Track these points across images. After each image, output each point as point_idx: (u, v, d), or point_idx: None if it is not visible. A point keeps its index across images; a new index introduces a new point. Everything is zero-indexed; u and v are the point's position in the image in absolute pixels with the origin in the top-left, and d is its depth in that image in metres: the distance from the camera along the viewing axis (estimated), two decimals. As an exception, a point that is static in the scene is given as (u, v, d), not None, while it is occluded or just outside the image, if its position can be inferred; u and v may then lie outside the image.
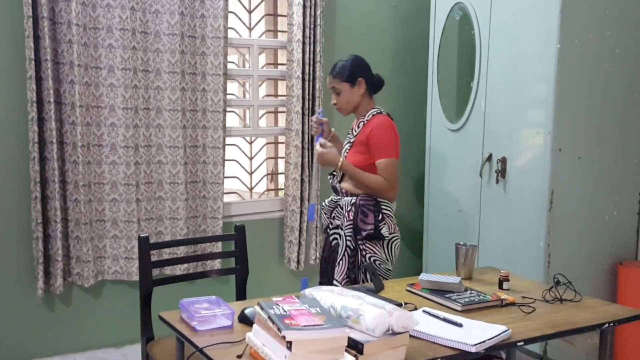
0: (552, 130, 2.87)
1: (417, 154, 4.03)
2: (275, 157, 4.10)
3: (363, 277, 2.64)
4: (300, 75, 3.53)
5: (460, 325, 1.88)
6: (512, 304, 2.16)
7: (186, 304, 1.92)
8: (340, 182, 2.78)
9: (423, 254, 3.88)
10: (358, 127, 2.77)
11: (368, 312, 1.64)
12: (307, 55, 3.54)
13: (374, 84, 2.80)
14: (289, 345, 1.48)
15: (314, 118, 2.95)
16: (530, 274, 2.80)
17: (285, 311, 1.60)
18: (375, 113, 2.75)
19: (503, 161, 3.14)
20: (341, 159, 2.70)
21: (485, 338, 1.78)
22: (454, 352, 1.74)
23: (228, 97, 3.47)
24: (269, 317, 1.56)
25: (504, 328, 1.87)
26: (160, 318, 1.97)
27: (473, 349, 1.74)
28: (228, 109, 3.51)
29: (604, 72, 2.96)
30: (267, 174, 4.21)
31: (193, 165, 3.38)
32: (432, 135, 3.75)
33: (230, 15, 3.41)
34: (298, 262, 3.66)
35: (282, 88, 3.93)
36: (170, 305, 2.14)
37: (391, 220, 2.70)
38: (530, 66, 3.00)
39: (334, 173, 2.81)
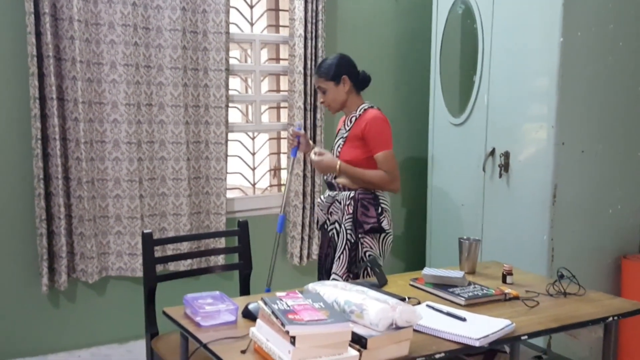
0: (555, 124, 2.86)
1: (419, 149, 4.02)
2: (278, 153, 4.10)
3: (364, 271, 2.64)
4: (302, 71, 3.52)
5: (463, 320, 1.88)
6: (516, 298, 2.16)
7: (190, 299, 1.92)
8: (335, 177, 2.77)
9: (426, 249, 3.87)
10: (350, 121, 2.76)
11: (371, 306, 1.64)
12: (309, 50, 3.53)
13: (360, 81, 2.80)
14: (292, 340, 1.48)
15: (290, 130, 2.96)
16: (534, 268, 2.79)
17: (288, 306, 1.60)
18: (366, 107, 2.76)
19: (506, 155, 3.13)
20: (339, 163, 2.69)
21: (489, 332, 1.78)
22: (457, 347, 1.74)
23: (230, 92, 3.46)
24: (273, 312, 1.56)
25: (507, 322, 1.86)
26: (165, 314, 1.97)
27: (477, 343, 1.74)
28: (230, 104, 3.51)
29: (607, 65, 2.95)
30: (270, 170, 4.21)
31: (196, 161, 3.38)
32: (434, 129, 3.74)
33: (231, 10, 3.41)
34: (301, 257, 3.67)
35: (284, 83, 3.93)
36: (174, 301, 2.14)
37: (389, 215, 2.72)
38: (533, 60, 2.98)
39: None
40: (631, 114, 3.06)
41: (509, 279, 2.34)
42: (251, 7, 3.69)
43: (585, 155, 2.95)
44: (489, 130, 3.25)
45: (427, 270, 2.28)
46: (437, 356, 1.68)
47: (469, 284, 2.23)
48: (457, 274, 2.23)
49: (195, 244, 3.39)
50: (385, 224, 2.67)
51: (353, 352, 1.55)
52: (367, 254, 2.64)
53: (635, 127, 3.09)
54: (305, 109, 3.56)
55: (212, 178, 3.42)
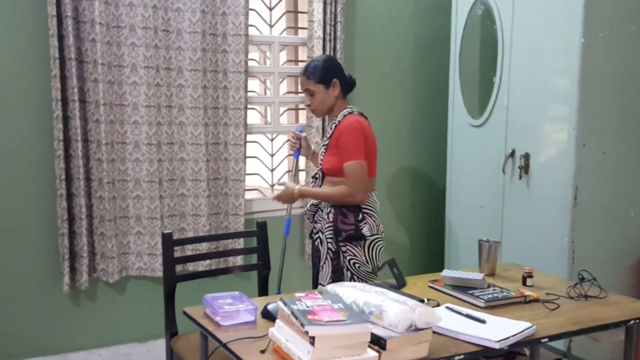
0: (576, 126, 2.84)
1: (438, 150, 4.01)
2: (296, 154, 4.10)
3: (345, 278, 2.56)
4: (321, 72, 3.52)
5: (483, 322, 1.87)
6: (536, 300, 2.14)
7: (210, 299, 1.93)
8: (320, 186, 2.68)
9: (445, 250, 3.86)
10: (331, 128, 2.65)
11: (391, 307, 1.63)
12: (327, 52, 3.54)
13: (347, 85, 2.67)
14: (312, 340, 1.48)
15: (292, 133, 2.94)
16: (554, 271, 2.77)
17: (308, 307, 1.60)
18: (346, 113, 2.62)
19: (526, 157, 3.11)
20: (297, 188, 2.60)
21: (509, 334, 1.77)
22: (477, 349, 1.73)
23: (249, 94, 3.48)
24: (292, 313, 1.56)
25: (527, 324, 1.85)
26: (185, 313, 1.98)
27: (497, 345, 1.73)
28: (249, 106, 3.52)
29: (629, 66, 2.91)
30: (288, 171, 4.22)
31: (215, 162, 3.41)
32: (453, 131, 3.72)
33: (251, 12, 3.43)
34: (319, 258, 3.67)
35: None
36: (193, 301, 2.16)
37: (373, 220, 2.59)
38: (554, 61, 2.96)
39: (316, 176, 2.71)
40: (654, 115, 3.02)
41: (529, 281, 2.32)
42: (270, 9, 3.71)
43: (606, 157, 2.92)
44: (509, 131, 3.23)
45: (446, 272, 2.27)
46: (456, 358, 1.68)
47: (489, 286, 2.22)
48: (476, 276, 2.22)
49: (214, 245, 3.41)
50: (365, 231, 2.53)
51: (372, 353, 1.55)
52: (351, 262, 2.54)
53: (658, 128, 3.04)
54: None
55: (230, 179, 3.44)
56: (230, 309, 1.86)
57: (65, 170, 2.99)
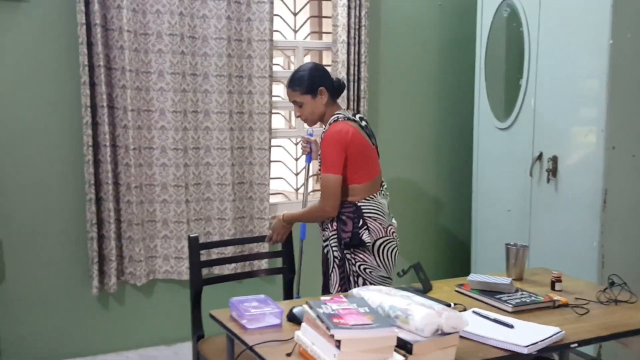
0: (605, 128, 2.79)
1: (464, 153, 3.98)
2: (321, 158, 4.11)
3: (355, 285, 2.49)
4: (345, 77, 3.53)
5: (511, 327, 1.85)
6: (565, 305, 2.11)
7: (236, 302, 1.95)
8: None
9: (471, 254, 3.83)
10: (321, 137, 2.54)
11: (417, 312, 1.63)
12: (351, 56, 3.54)
13: (335, 89, 2.56)
14: (338, 344, 1.48)
15: (302, 137, 2.92)
16: (583, 275, 2.72)
17: (333, 310, 1.60)
18: (332, 121, 2.49)
19: (554, 160, 3.07)
20: (281, 216, 2.58)
21: (538, 339, 1.75)
22: (505, 354, 1.71)
23: (274, 99, 3.50)
24: (318, 316, 1.56)
25: (556, 329, 1.82)
26: (211, 316, 2.00)
27: (525, 350, 1.71)
28: (274, 110, 3.55)
29: (659, 66, 2.86)
30: (313, 175, 4.23)
31: (240, 166, 3.43)
32: (479, 133, 3.70)
33: (275, 17, 3.45)
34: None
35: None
36: (219, 304, 2.18)
37: (379, 223, 2.47)
38: (582, 62, 2.92)
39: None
40: (686, 117, 2.96)
41: (557, 285, 2.29)
42: (294, 14, 3.73)
43: (636, 160, 2.87)
44: (536, 134, 3.20)
45: (473, 276, 2.25)
46: (483, 363, 1.66)
47: (516, 290, 2.19)
48: (504, 280, 2.19)
49: (239, 248, 3.43)
50: (365, 237, 2.43)
51: (398, 357, 1.54)
52: (361, 267, 2.47)
53: (690, 130, 2.98)
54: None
55: (255, 183, 3.46)
56: (256, 312, 1.87)
57: (94, 175, 3.05)
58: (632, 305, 2.12)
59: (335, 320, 1.53)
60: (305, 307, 1.65)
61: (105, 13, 3.02)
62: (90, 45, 2.98)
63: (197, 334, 2.50)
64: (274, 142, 3.57)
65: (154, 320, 3.37)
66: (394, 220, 2.60)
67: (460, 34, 3.99)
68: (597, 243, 2.85)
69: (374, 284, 2.47)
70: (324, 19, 3.96)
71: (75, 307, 3.19)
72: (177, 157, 3.24)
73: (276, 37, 3.52)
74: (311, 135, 2.91)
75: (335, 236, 2.51)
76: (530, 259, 3.13)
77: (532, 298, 2.12)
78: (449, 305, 1.94)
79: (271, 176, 3.53)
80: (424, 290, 2.23)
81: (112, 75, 3.07)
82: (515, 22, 3.34)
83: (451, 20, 3.99)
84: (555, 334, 1.80)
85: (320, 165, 2.54)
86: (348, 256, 2.48)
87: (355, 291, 1.90)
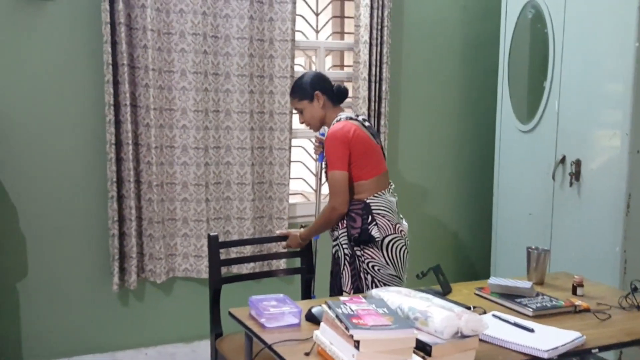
0: (630, 132, 2.75)
1: (485, 155, 3.95)
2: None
3: (366, 282, 2.52)
4: (367, 77, 3.53)
5: (531, 331, 1.83)
6: (587, 310, 2.09)
7: (255, 301, 1.95)
8: None
9: (491, 257, 3.79)
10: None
11: (436, 314, 1.62)
12: (373, 57, 3.53)
13: (336, 94, 2.65)
14: (356, 344, 1.48)
15: (315, 137, 2.93)
16: (605, 280, 2.69)
17: (352, 310, 1.60)
18: (334, 122, 2.59)
19: (577, 163, 3.03)
20: (298, 232, 2.69)
21: (558, 344, 1.73)
22: (525, 358, 1.70)
23: (295, 99, 3.50)
24: (337, 316, 1.57)
25: (577, 334, 1.80)
26: (230, 314, 2.01)
27: (545, 355, 1.69)
28: (294, 111, 3.54)
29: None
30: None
31: (260, 166, 3.44)
32: (501, 136, 3.67)
33: (297, 18, 3.45)
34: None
35: (348, 90, 3.94)
36: (237, 303, 2.19)
37: (388, 220, 2.50)
38: (607, 65, 2.88)
39: None
40: None
41: (579, 290, 2.26)
42: (317, 14, 3.74)
43: (662, 164, 2.82)
44: (560, 137, 3.16)
45: (493, 280, 2.24)
46: (503, 367, 1.65)
47: (537, 294, 2.17)
48: (524, 284, 2.18)
49: (258, 248, 3.44)
50: (374, 232, 2.47)
51: (417, 359, 1.54)
52: (370, 264, 2.50)
53: None
54: (369, 115, 3.57)
55: (275, 183, 3.47)
56: (275, 311, 1.87)
57: (116, 173, 3.08)
58: (656, 312, 2.09)
59: (354, 320, 1.53)
60: (325, 307, 1.65)
61: (130, 12, 3.05)
62: (114, 44, 3.01)
63: (216, 332, 2.51)
64: (294, 142, 3.57)
65: (173, 317, 3.40)
66: (404, 222, 2.63)
67: (483, 35, 3.96)
68: (619, 248, 2.81)
69: (383, 282, 2.50)
70: (346, 20, 3.96)
71: (95, 303, 3.22)
72: (197, 156, 3.26)
73: (298, 37, 3.53)
74: (323, 135, 2.91)
75: (345, 234, 2.54)
76: (551, 263, 3.10)
77: (553, 302, 2.10)
78: (468, 308, 1.92)
79: (291, 176, 3.53)
80: (444, 293, 2.22)
81: (136, 74, 3.10)
82: (540, 24, 3.31)
83: (474, 21, 3.96)
84: (576, 339, 1.78)
85: (326, 166, 2.60)
86: (358, 253, 2.51)
87: (374, 292, 1.89)
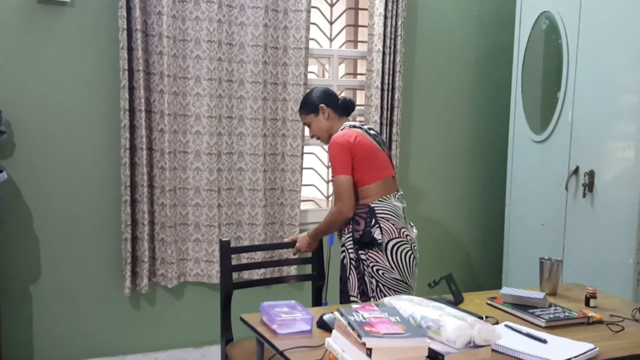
0: (645, 143, 2.74)
1: (498, 165, 3.94)
2: (353, 167, 4.11)
3: (370, 286, 2.53)
4: (380, 85, 3.54)
5: (544, 342, 1.82)
6: (600, 322, 2.07)
7: (267, 307, 1.96)
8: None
9: (503, 268, 3.78)
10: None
11: (449, 323, 1.62)
12: (387, 65, 3.55)
13: (342, 107, 2.72)
14: (369, 352, 1.48)
15: None
16: (618, 292, 2.67)
17: (365, 318, 1.60)
18: (338, 131, 2.64)
19: (591, 174, 3.02)
20: (306, 233, 2.72)
21: (571, 355, 1.72)
22: (537, 369, 1.69)
23: (308, 106, 3.52)
24: (349, 324, 1.56)
25: (590, 346, 1.79)
26: (242, 320, 2.01)
27: (558, 367, 1.68)
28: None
29: (703, 82, 2.80)
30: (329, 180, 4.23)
31: (272, 172, 3.46)
32: (514, 146, 3.66)
33: (311, 26, 3.47)
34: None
35: (360, 98, 3.96)
36: (247, 309, 2.19)
37: (392, 224, 2.51)
38: (622, 76, 2.87)
39: None
40: None
41: (592, 302, 2.25)
42: (331, 23, 3.76)
43: (677, 176, 2.80)
44: (573, 148, 3.15)
45: (505, 290, 2.23)
46: (515, 377, 1.64)
47: (550, 305, 2.16)
48: (537, 294, 2.16)
49: (269, 254, 3.45)
50: (377, 235, 2.49)
51: (429, 368, 1.53)
52: (374, 268, 2.51)
53: None
54: (381, 124, 3.57)
55: (287, 190, 3.48)
56: (287, 317, 1.88)
57: (130, 177, 3.10)
58: (670, 325, 2.07)
59: (366, 328, 1.53)
60: (337, 314, 1.65)
61: (146, 19, 3.09)
62: (130, 50, 3.04)
63: (226, 338, 2.51)
64: (306, 149, 3.59)
65: (183, 322, 3.41)
66: (414, 230, 2.65)
67: (497, 45, 3.97)
68: (632, 260, 2.79)
69: (388, 286, 2.51)
70: (360, 28, 3.98)
71: (107, 306, 3.24)
72: (210, 162, 3.28)
73: (312, 45, 3.55)
74: None
75: (351, 238, 2.57)
76: (563, 275, 3.08)
77: (566, 314, 2.08)
78: (481, 318, 1.92)
79: (302, 183, 3.54)
80: (456, 302, 2.21)
81: (151, 80, 3.13)
82: (554, 34, 3.31)
83: (488, 31, 3.97)
84: (589, 351, 1.77)
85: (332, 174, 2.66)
86: (362, 256, 2.53)
87: (386, 300, 1.89)
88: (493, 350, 1.70)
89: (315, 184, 3.92)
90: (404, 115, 3.74)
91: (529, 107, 3.57)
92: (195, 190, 3.29)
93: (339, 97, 2.76)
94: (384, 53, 3.54)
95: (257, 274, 3.43)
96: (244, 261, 3.38)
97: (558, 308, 2.14)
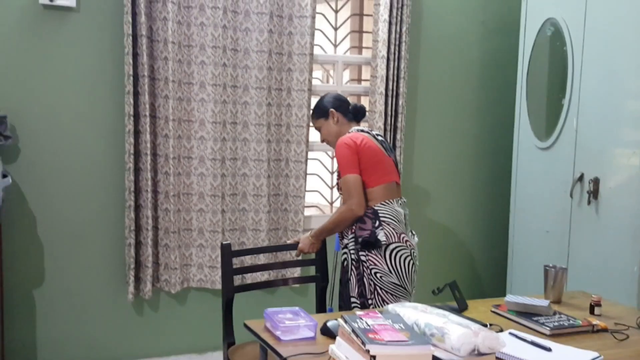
0: (650, 150, 2.73)
1: (502, 172, 3.94)
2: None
3: (369, 288, 2.54)
4: (384, 92, 3.54)
5: (549, 350, 1.81)
6: (604, 330, 2.06)
7: (271, 313, 1.95)
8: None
9: (507, 275, 3.76)
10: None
11: (453, 330, 1.61)
12: (391, 72, 3.55)
13: (352, 112, 2.77)
14: (373, 359, 1.47)
15: None
16: (623, 300, 2.65)
17: (368, 325, 1.60)
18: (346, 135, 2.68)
19: (595, 182, 3.01)
20: (309, 234, 2.71)
21: (576, 364, 1.71)
22: (542, 377, 1.68)
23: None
24: (353, 331, 1.56)
25: (595, 354, 1.78)
26: (245, 326, 2.01)
27: (563, 375, 1.67)
28: (311, 123, 3.56)
29: None
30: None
31: (276, 178, 3.46)
32: (519, 152, 3.65)
33: (316, 32, 3.48)
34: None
35: (364, 104, 3.95)
36: (251, 315, 2.19)
37: (393, 228, 2.55)
38: (627, 82, 2.87)
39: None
40: None
41: (597, 310, 2.24)
42: (335, 29, 3.76)
43: (682, 184, 2.79)
44: (578, 154, 3.14)
45: (510, 297, 2.22)
46: (520, 386, 1.63)
47: (554, 313, 2.15)
48: (542, 302, 2.15)
49: (272, 259, 3.44)
50: (381, 236, 2.52)
51: (433, 376, 1.53)
52: (373, 271, 2.53)
53: None
54: (385, 130, 3.57)
55: (291, 195, 3.48)
56: (290, 324, 1.87)
57: (134, 183, 3.11)
58: (676, 334, 2.06)
59: (370, 335, 1.53)
60: (340, 321, 1.65)
61: (151, 25, 3.10)
62: (135, 55, 3.05)
63: (228, 341, 2.51)
64: (310, 155, 3.59)
65: (187, 328, 3.40)
66: (416, 238, 2.68)
67: (501, 52, 3.97)
68: (637, 268, 2.78)
69: (385, 290, 2.52)
70: (364, 34, 3.98)
71: (110, 312, 3.24)
72: (214, 167, 3.28)
73: (316, 51, 3.55)
74: None
75: (353, 239, 2.59)
76: (568, 282, 3.06)
77: (571, 322, 2.07)
78: (485, 326, 1.91)
79: (306, 189, 3.54)
80: (460, 309, 2.20)
81: (156, 85, 3.14)
82: (559, 41, 3.31)
83: (493, 38, 3.97)
84: (593, 359, 1.75)
85: (338, 178, 2.69)
86: (363, 258, 2.55)
87: (390, 307, 1.89)
88: (497, 358, 1.69)
89: (319, 190, 3.92)
90: (408, 121, 3.74)
91: (533, 114, 3.57)
92: (199, 195, 3.29)
93: (350, 103, 2.81)
94: (388, 59, 3.54)
95: (260, 277, 3.42)
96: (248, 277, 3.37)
97: (563, 316, 2.13)
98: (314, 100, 3.66)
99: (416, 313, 1.77)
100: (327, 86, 3.79)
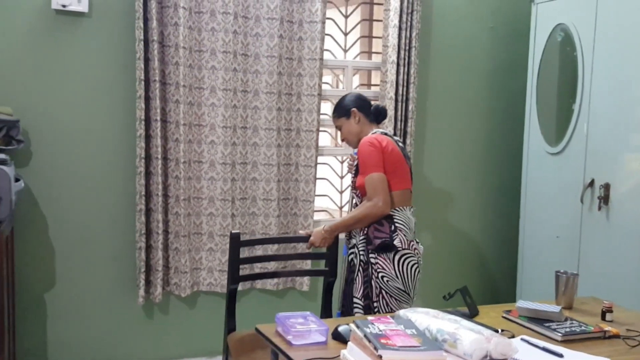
0: (662, 156, 2.72)
1: (512, 177, 3.93)
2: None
3: (375, 291, 2.55)
4: (394, 97, 3.54)
5: (560, 356, 1.81)
6: (616, 336, 2.05)
7: (282, 318, 1.96)
8: (355, 205, 2.74)
9: (517, 280, 3.75)
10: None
11: (465, 336, 1.61)
12: (400, 77, 3.55)
13: (374, 113, 2.78)
14: (385, 364, 1.48)
15: (350, 155, 2.98)
16: (634, 306, 2.64)
17: (380, 330, 1.60)
18: (368, 135, 2.68)
19: (606, 187, 3.00)
20: (323, 228, 2.68)
21: (589, 371, 1.70)
22: (554, 384, 1.67)
23: (321, 116, 3.54)
24: (365, 336, 1.57)
25: (608, 361, 1.78)
26: (257, 330, 2.02)
27: (575, 382, 1.66)
28: (321, 128, 3.58)
29: None
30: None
31: (286, 182, 3.47)
32: (529, 158, 3.64)
33: (326, 37, 3.49)
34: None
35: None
36: (259, 319, 2.20)
37: (404, 235, 2.57)
38: (637, 88, 2.86)
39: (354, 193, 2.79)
40: None
41: (608, 316, 2.23)
42: (345, 34, 3.77)
43: (694, 190, 2.78)
44: (588, 160, 3.14)
45: (521, 303, 2.21)
46: (532, 392, 1.62)
47: (566, 319, 2.15)
48: (553, 308, 2.15)
49: (282, 264, 3.44)
50: (397, 242, 2.53)
51: (445, 382, 1.53)
52: (380, 275, 2.54)
53: None
54: (395, 135, 3.57)
55: (300, 200, 3.49)
56: (302, 328, 1.88)
57: (145, 187, 3.12)
58: (688, 341, 2.05)
59: (382, 340, 1.53)
60: (352, 326, 1.65)
61: (163, 30, 3.12)
62: (147, 60, 3.07)
63: (229, 327, 2.58)
64: (320, 159, 3.59)
65: (196, 331, 3.41)
66: (420, 246, 2.68)
67: (511, 57, 3.96)
68: (650, 274, 2.77)
69: (390, 294, 2.54)
70: (374, 39, 3.99)
71: (121, 315, 3.25)
72: (225, 172, 3.30)
73: (326, 56, 3.56)
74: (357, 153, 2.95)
75: (364, 240, 2.59)
76: (579, 288, 3.05)
77: (582, 328, 2.07)
78: (496, 331, 1.91)
79: (316, 193, 3.55)
80: (471, 315, 2.20)
81: (167, 90, 3.16)
82: (569, 47, 3.30)
83: (503, 43, 3.97)
84: (606, 366, 1.75)
85: (353, 177, 2.71)
86: (372, 261, 2.55)
87: (402, 312, 1.89)
88: (509, 364, 1.69)
89: (329, 195, 3.92)
90: (418, 126, 3.74)
91: (543, 119, 3.56)
92: (210, 199, 3.30)
93: (372, 104, 2.81)
94: (398, 64, 3.55)
95: (270, 285, 3.42)
96: (257, 271, 3.37)
97: (574, 322, 2.13)
98: (323, 105, 3.68)
99: (428, 318, 1.78)
100: (337, 91, 3.80)
